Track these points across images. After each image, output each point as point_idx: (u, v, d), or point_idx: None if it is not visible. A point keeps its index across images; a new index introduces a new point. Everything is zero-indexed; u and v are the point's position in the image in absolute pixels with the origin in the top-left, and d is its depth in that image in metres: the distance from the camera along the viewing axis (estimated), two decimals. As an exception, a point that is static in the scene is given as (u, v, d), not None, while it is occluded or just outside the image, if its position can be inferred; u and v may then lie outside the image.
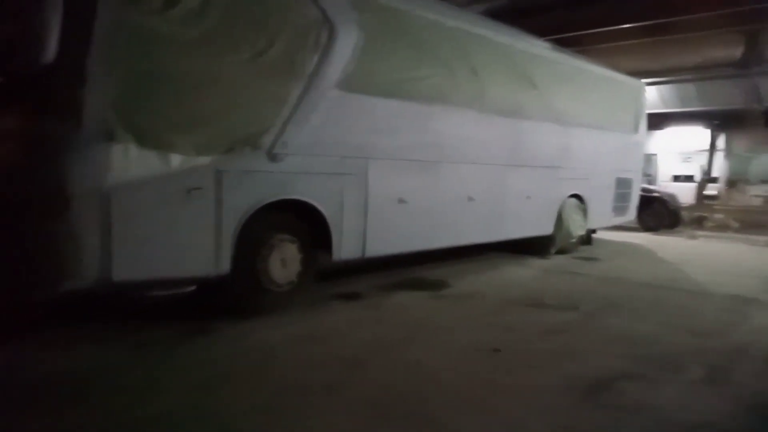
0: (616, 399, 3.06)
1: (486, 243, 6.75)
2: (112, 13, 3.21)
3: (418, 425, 2.68)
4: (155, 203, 3.53)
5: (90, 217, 3.24)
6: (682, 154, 20.46)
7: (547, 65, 7.12)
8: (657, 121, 16.28)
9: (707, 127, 19.45)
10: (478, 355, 3.66)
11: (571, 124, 7.38)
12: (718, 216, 13.82)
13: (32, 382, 2.96)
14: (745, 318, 4.91)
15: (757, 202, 17.38)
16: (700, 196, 18.29)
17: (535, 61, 6.91)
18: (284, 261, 4.35)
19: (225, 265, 3.91)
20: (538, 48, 7.31)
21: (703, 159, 19.94)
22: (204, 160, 3.71)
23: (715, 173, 19.89)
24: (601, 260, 7.70)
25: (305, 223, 4.50)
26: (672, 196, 12.66)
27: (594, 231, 9.00)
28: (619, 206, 8.94)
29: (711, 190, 19.10)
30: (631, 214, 9.51)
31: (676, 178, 20.27)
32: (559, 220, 7.52)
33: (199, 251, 3.79)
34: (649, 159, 17.86)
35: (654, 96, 14.56)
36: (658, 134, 19.13)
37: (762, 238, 10.99)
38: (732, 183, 19.15)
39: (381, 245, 5.12)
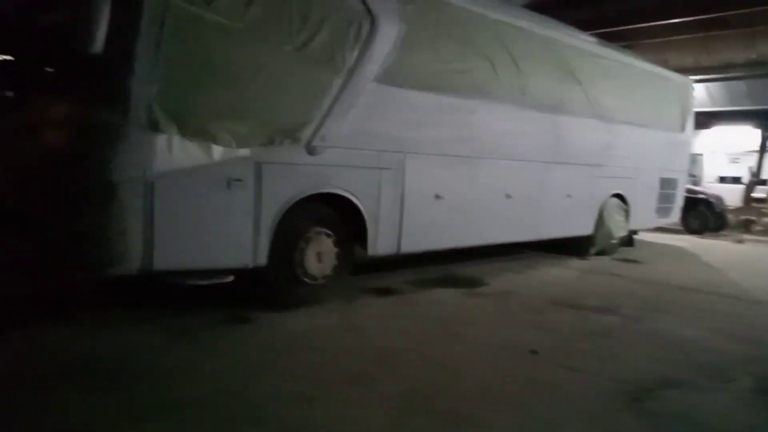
0: (659, 406, 2.96)
1: (523, 242, 6.63)
2: (160, 3, 3.25)
3: (450, 421, 2.64)
4: (197, 194, 3.58)
5: (134, 205, 3.30)
6: (729, 155, 19.71)
7: (591, 60, 6.93)
8: (704, 119, 15.71)
9: (757, 126, 18.64)
10: (515, 354, 3.59)
11: (615, 121, 7.18)
12: (767, 220, 13.27)
13: (70, 363, 3.03)
14: (797, 327, 4.69)
15: (809, 206, 16.59)
16: (748, 199, 17.55)
17: (580, 55, 6.74)
18: (320, 254, 4.35)
19: (262, 257, 3.93)
20: (583, 42, 7.12)
21: (752, 160, 19.13)
22: (245, 151, 3.73)
23: (764, 175, 19.07)
24: (643, 263, 7.47)
25: (342, 217, 4.49)
26: (718, 198, 12.24)
27: (636, 232, 8.76)
28: (663, 207, 8.68)
29: (760, 192, 18.32)
30: (674, 216, 9.23)
31: (723, 180, 19.55)
32: (600, 220, 7.33)
33: (238, 242, 3.82)
34: (695, 159, 17.26)
35: (702, 93, 14.02)
36: (705, 133, 18.47)
37: (815, 244, 10.51)
38: (782, 185, 18.33)
39: (416, 241, 5.08)
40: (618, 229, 7.68)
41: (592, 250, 7.47)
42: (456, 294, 5.11)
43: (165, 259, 3.47)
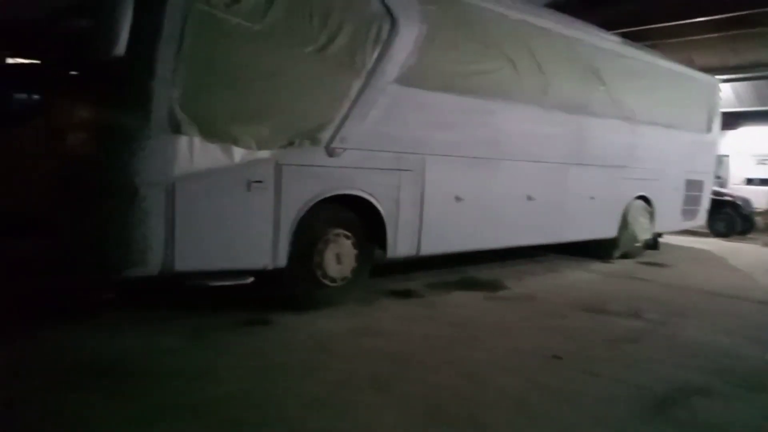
0: (686, 415, 2.87)
1: (545, 244, 6.54)
2: (181, 7, 3.28)
3: (468, 427, 2.60)
4: (217, 195, 3.59)
5: (156, 207, 3.32)
6: (756, 156, 19.21)
7: (615, 60, 6.81)
8: (731, 120, 15.33)
9: (786, 127, 18.18)
10: (536, 360, 3.53)
11: (640, 122, 7.05)
12: (796, 223, 12.92)
13: (91, 364, 3.05)
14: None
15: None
16: (776, 201, 17.12)
17: (603, 55, 6.63)
18: (339, 256, 4.34)
19: (282, 258, 3.93)
20: (607, 42, 7.00)
21: (781, 161, 18.67)
22: (265, 153, 3.74)
23: (793, 177, 18.57)
24: (669, 266, 7.31)
25: (361, 219, 4.47)
26: (745, 201, 11.96)
27: (660, 235, 8.58)
28: (689, 210, 8.51)
29: (788, 194, 17.84)
30: (701, 219, 9.03)
31: (750, 182, 19.07)
32: (624, 223, 7.20)
33: (258, 244, 3.83)
34: (721, 160, 16.87)
35: (729, 93, 13.70)
36: (732, 134, 18.04)
37: None
38: (813, 188, 17.81)
39: (436, 243, 5.04)
40: (642, 231, 7.53)
41: (616, 253, 7.35)
42: (476, 297, 5.05)
43: (186, 261, 3.48)
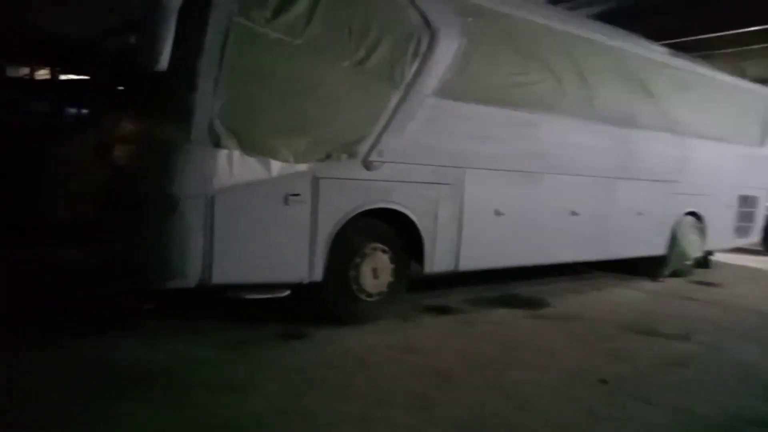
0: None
1: (590, 261, 6.32)
2: (223, 21, 3.32)
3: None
4: (255, 209, 3.60)
5: (195, 219, 3.35)
6: (815, 171, 18.29)
7: (663, 71, 6.58)
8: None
9: None
10: (583, 384, 3.36)
11: (690, 135, 6.77)
12: None
13: (130, 375, 3.06)
14: None
15: None
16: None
17: (650, 66, 6.41)
18: (376, 270, 4.28)
19: (318, 272, 3.90)
20: (654, 52, 6.78)
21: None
22: (302, 166, 3.74)
23: None
24: (721, 286, 6.95)
25: (398, 233, 4.41)
26: (803, 218, 11.30)
27: (711, 253, 8.20)
28: (742, 227, 8.10)
29: None
30: (754, 236, 8.59)
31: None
32: (673, 240, 6.89)
33: (295, 257, 3.81)
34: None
35: (784, 105, 13.11)
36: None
37: None
38: None
39: (475, 259, 4.92)
40: (693, 249, 7.21)
41: (665, 272, 7.04)
42: (518, 315, 4.89)
43: (223, 273, 3.49)
